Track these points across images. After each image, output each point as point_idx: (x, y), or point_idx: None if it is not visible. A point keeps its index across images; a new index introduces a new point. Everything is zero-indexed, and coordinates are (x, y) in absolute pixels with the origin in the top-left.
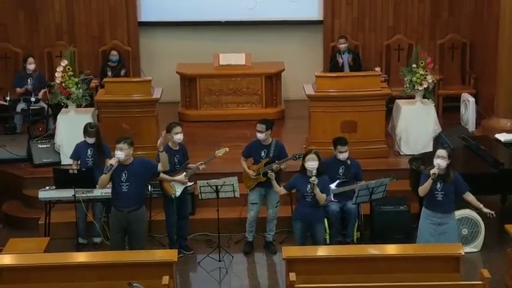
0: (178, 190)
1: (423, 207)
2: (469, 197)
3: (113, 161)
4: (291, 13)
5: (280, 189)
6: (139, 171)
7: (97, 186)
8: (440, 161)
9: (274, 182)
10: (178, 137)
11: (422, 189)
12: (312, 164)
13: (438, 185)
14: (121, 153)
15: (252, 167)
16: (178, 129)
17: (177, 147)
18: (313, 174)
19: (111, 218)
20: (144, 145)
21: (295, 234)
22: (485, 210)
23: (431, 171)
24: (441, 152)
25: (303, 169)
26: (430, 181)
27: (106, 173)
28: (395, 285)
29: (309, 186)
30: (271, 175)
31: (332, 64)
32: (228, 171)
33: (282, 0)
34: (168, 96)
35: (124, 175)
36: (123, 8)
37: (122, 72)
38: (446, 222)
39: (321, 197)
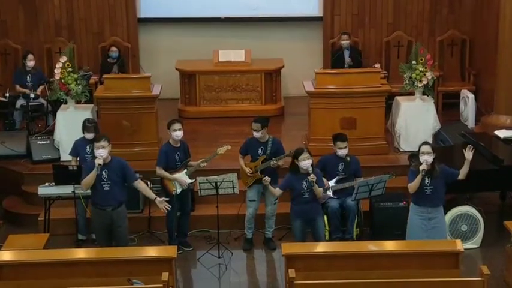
0: (178, 187)
1: (412, 204)
2: (462, 173)
3: (100, 161)
4: (290, 10)
5: (276, 191)
6: (119, 171)
7: (82, 186)
8: (427, 157)
9: (269, 187)
10: (177, 133)
11: (413, 186)
12: (306, 163)
13: (426, 180)
14: (103, 150)
15: (249, 164)
16: (177, 125)
17: (178, 144)
18: (310, 171)
19: (94, 218)
20: (143, 141)
21: (295, 234)
22: (467, 154)
23: (421, 168)
24: (426, 147)
25: (295, 168)
26: (420, 177)
27: (98, 172)
28: (394, 281)
29: (305, 183)
30: (267, 181)
31: (335, 58)
32: (228, 168)
33: None
34: (167, 92)
35: (104, 173)
36: (123, 4)
37: (114, 69)
38: (436, 216)
39: (319, 191)
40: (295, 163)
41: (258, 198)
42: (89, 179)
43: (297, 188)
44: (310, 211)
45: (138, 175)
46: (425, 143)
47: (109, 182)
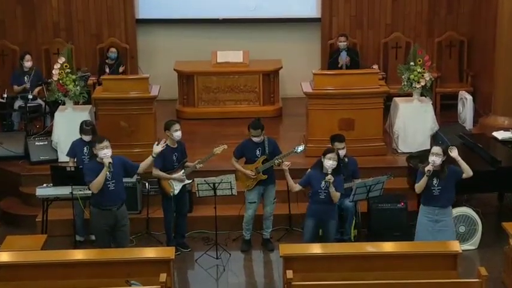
0: (176, 188)
1: (421, 205)
2: (465, 171)
3: (110, 159)
4: (288, 11)
5: (295, 186)
6: (120, 169)
7: (91, 189)
8: (435, 158)
9: (288, 177)
10: (178, 134)
11: (418, 186)
12: (331, 163)
13: (434, 181)
14: (108, 150)
15: (248, 166)
16: (177, 126)
17: (175, 145)
18: (329, 172)
19: (96, 219)
20: (141, 142)
21: (305, 232)
22: (453, 154)
23: (426, 169)
24: (436, 149)
25: (320, 165)
26: (425, 178)
27: (111, 170)
28: (392, 282)
29: (323, 183)
30: (286, 168)
31: (332, 60)
32: (226, 169)
33: None
34: (165, 93)
35: (109, 173)
36: (121, 5)
37: (120, 69)
38: (443, 219)
39: (336, 195)
40: (321, 160)
41: (258, 199)
42: (100, 179)
43: (315, 187)
44: (323, 212)
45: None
46: (438, 144)
47: (113, 181)
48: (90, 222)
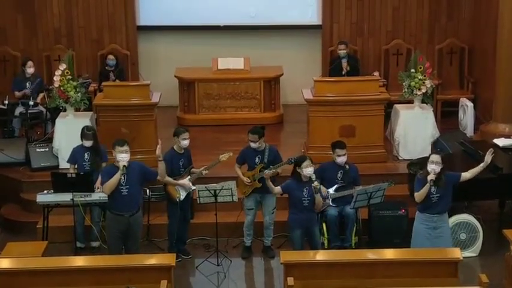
0: (182, 194)
1: (417, 212)
2: (467, 175)
3: (125, 162)
4: (289, 18)
5: (277, 189)
6: (137, 175)
7: (103, 191)
8: (435, 166)
9: (268, 182)
10: (185, 142)
11: (420, 195)
12: (310, 170)
13: (433, 189)
14: (127, 155)
15: (247, 173)
16: (186, 135)
17: (182, 151)
18: (314, 179)
19: (109, 224)
20: (142, 149)
21: (295, 243)
22: (487, 157)
23: (429, 178)
24: (435, 157)
25: (297, 175)
26: (427, 187)
27: (124, 172)
28: None
29: (306, 191)
30: (266, 174)
31: (333, 67)
32: (227, 176)
33: (281, 5)
34: (166, 100)
35: (123, 178)
36: (122, 12)
37: (111, 76)
38: (441, 225)
39: (320, 200)
40: (297, 170)
41: (256, 206)
42: (113, 182)
43: (297, 195)
44: (307, 220)
45: None
46: (436, 152)
47: (127, 187)
48: (106, 226)
